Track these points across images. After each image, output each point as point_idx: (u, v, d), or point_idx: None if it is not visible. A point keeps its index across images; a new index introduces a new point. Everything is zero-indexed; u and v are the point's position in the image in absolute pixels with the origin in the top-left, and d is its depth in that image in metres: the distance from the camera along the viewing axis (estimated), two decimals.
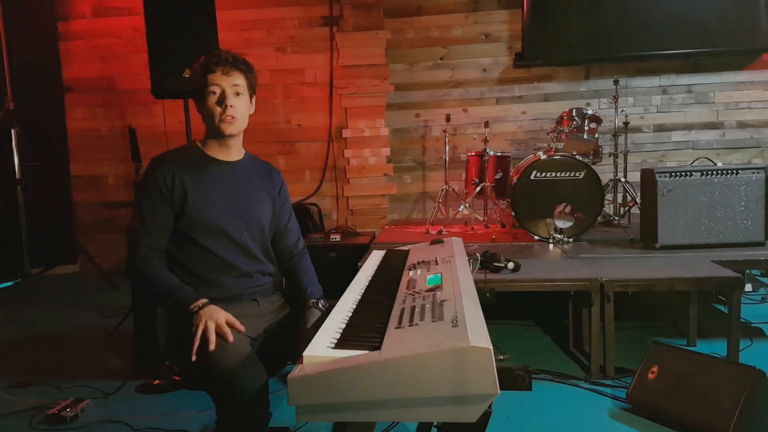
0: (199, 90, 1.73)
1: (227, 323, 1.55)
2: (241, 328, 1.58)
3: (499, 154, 4.39)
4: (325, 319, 1.34)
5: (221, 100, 1.72)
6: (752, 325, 3.28)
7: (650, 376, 2.30)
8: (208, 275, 1.74)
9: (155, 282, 1.65)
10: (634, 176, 4.02)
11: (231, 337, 1.51)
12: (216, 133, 1.77)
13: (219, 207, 1.75)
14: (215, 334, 1.51)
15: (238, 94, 1.74)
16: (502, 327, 3.47)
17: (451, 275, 1.51)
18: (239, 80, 1.74)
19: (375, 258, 2.04)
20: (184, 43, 3.56)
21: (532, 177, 3.67)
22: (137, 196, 1.75)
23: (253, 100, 1.84)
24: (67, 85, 5.62)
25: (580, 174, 3.62)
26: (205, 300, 1.59)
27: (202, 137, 1.83)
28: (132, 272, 1.68)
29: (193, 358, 1.49)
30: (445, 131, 4.75)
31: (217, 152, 1.81)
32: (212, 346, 1.48)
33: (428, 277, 1.54)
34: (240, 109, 1.75)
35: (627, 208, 4.40)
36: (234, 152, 1.84)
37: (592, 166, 3.69)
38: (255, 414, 1.46)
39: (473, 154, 4.44)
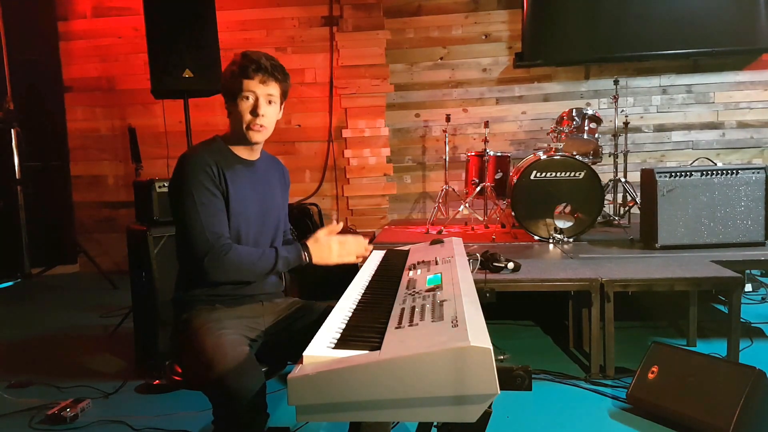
0: (231, 91, 1.69)
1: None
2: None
3: (499, 154, 4.39)
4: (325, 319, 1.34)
5: (254, 108, 1.68)
6: (752, 325, 3.28)
7: (650, 376, 2.30)
8: None
9: (250, 267, 1.67)
10: (634, 176, 4.02)
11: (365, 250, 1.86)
12: (242, 138, 1.73)
13: (251, 209, 1.75)
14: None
15: (270, 102, 1.71)
16: (502, 327, 3.47)
17: (451, 275, 1.50)
18: (274, 90, 1.70)
19: (375, 258, 2.04)
20: (184, 43, 3.57)
21: (532, 177, 3.67)
22: (185, 193, 1.63)
23: (283, 105, 1.80)
24: (67, 85, 5.63)
25: (580, 174, 3.62)
26: (302, 256, 1.73)
27: (225, 133, 1.78)
28: (221, 271, 1.63)
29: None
30: (445, 131, 4.76)
31: (241, 151, 1.78)
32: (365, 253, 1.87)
33: (428, 277, 1.54)
34: (270, 117, 1.72)
35: (627, 208, 4.40)
36: (257, 152, 1.82)
37: (592, 166, 3.70)
38: (251, 416, 1.45)
39: (473, 154, 4.45)
